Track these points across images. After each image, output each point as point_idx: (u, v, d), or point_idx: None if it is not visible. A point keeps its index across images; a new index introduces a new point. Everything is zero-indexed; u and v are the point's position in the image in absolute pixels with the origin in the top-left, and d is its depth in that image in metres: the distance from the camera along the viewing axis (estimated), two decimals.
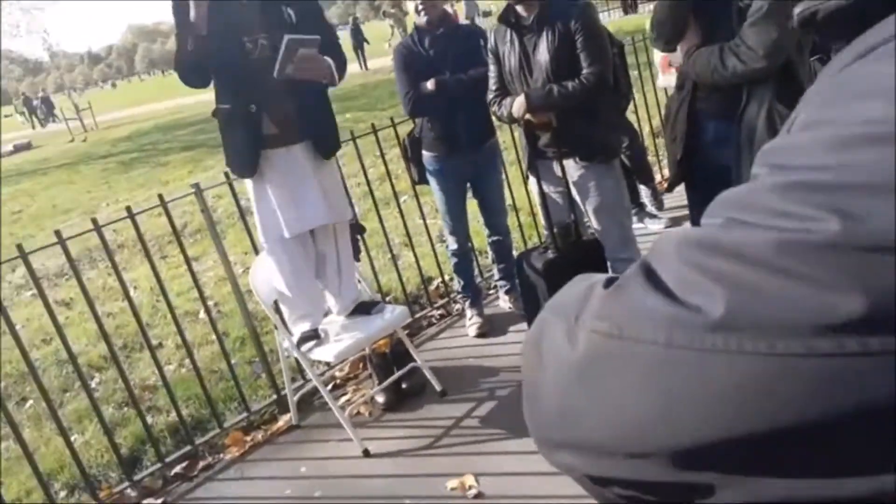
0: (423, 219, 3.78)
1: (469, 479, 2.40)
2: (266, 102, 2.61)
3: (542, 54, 2.64)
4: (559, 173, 2.74)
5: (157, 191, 2.94)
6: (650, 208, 4.34)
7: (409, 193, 4.43)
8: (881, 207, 0.31)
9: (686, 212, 4.26)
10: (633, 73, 4.61)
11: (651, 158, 4.78)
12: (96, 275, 6.18)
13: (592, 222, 2.85)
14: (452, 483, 2.40)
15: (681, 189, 4.68)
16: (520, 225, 4.14)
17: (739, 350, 0.34)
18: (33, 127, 31.23)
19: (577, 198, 2.80)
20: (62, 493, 2.86)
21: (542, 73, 2.64)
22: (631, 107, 4.15)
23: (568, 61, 2.59)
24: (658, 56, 4.51)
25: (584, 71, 2.58)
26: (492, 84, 2.84)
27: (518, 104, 2.64)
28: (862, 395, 0.32)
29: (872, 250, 0.31)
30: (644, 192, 4.35)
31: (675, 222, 4.18)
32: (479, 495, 2.33)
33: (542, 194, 2.81)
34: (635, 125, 4.40)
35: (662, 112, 4.18)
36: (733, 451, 0.36)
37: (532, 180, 2.94)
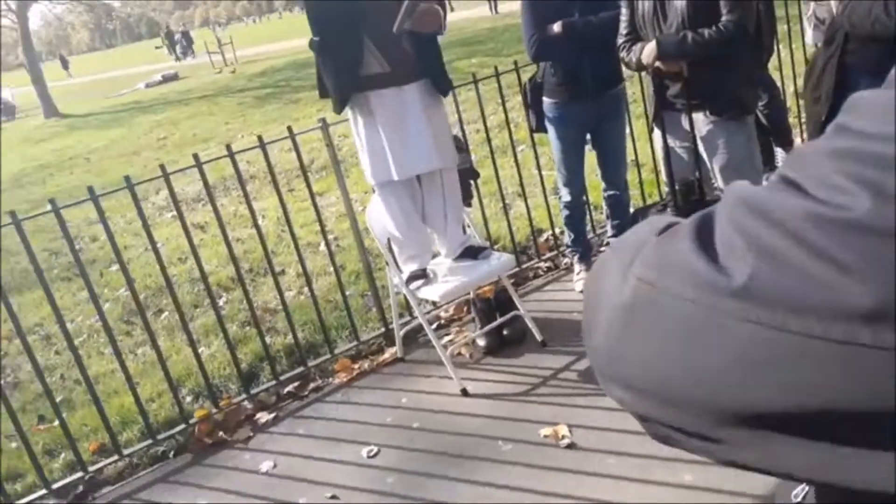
0: (539, 169, 3.73)
1: (562, 429, 2.42)
2: (381, 40, 2.63)
3: None
4: (687, 127, 2.61)
5: (289, 125, 3.08)
6: None
7: (526, 143, 4.38)
8: None
9: None
10: (782, 28, 4.26)
11: (792, 120, 4.44)
12: (229, 202, 6.61)
13: (718, 181, 2.71)
14: (546, 431, 2.43)
15: None
16: (640, 181, 4.00)
17: (756, 321, 0.33)
18: (177, 59, 33.19)
19: (704, 154, 2.66)
20: (188, 399, 3.15)
21: (678, 18, 2.50)
22: (775, 62, 3.85)
23: (706, 7, 2.43)
24: (808, 8, 4.13)
25: (723, 18, 2.41)
26: (622, 28, 2.72)
27: (648, 50, 2.52)
28: (871, 386, 0.31)
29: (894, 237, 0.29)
30: (780, 155, 4.07)
31: None
32: (571, 445, 2.35)
33: (667, 148, 2.69)
34: (778, 82, 4.09)
35: None
36: (746, 413, 0.36)
37: (657, 132, 2.81)
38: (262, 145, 2.96)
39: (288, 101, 12.59)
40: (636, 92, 4.02)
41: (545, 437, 2.42)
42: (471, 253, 2.93)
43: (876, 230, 0.30)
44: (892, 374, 0.30)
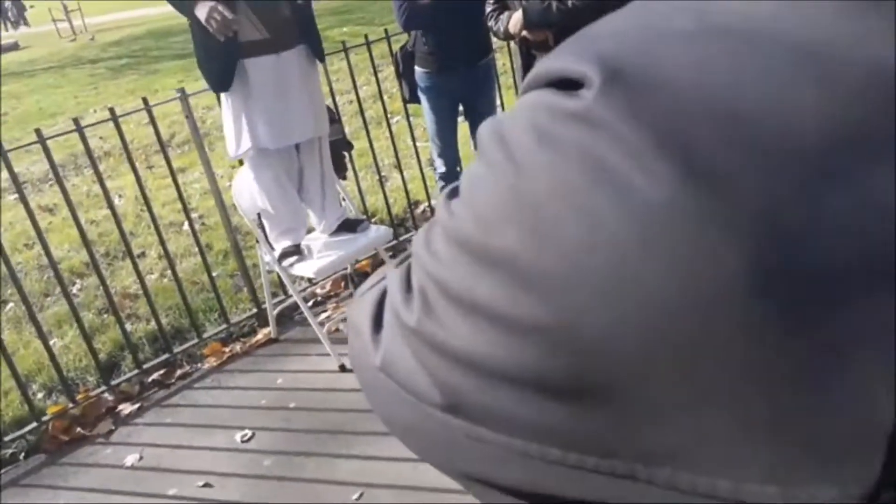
0: (414, 140, 3.71)
1: None
2: (259, 5, 2.50)
3: None
4: None
5: (147, 97, 2.85)
6: None
7: (400, 114, 4.34)
8: (450, 313, 0.27)
9: None
10: None
11: None
12: (81, 181, 6.11)
13: None
14: None
15: None
16: None
17: (396, 394, 0.31)
18: (5, 28, 30.13)
19: None
20: (39, 395, 2.90)
21: None
22: None
23: None
24: None
25: None
26: None
27: (515, 19, 2.54)
28: (476, 467, 0.30)
29: (437, 348, 0.28)
30: None
31: None
32: None
33: None
34: None
35: None
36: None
37: None
38: (115, 118, 2.73)
39: (146, 73, 11.77)
40: (505, 63, 4.07)
41: None
42: (348, 226, 2.87)
43: (423, 337, 0.28)
44: (478, 455, 0.29)
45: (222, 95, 2.66)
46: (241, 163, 3.06)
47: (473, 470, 0.30)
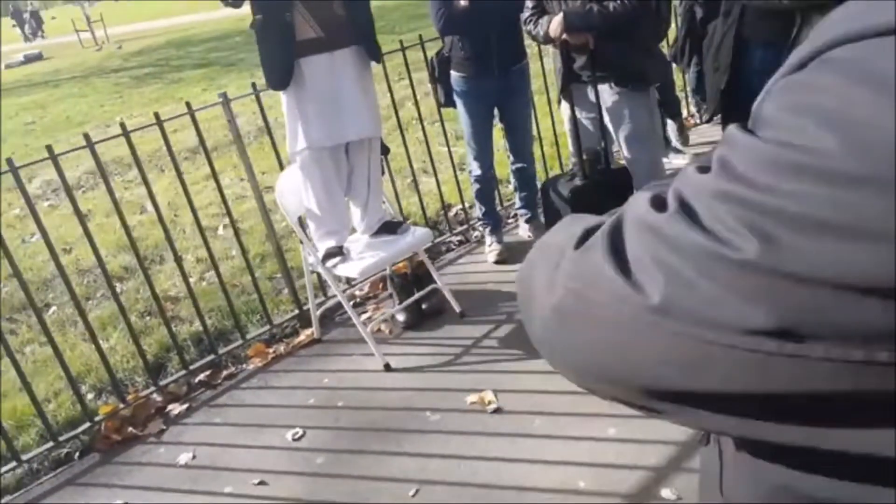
0: (447, 143, 3.75)
1: (488, 395, 2.46)
2: (313, 4, 2.55)
3: None
4: (593, 98, 2.70)
5: (172, 107, 2.91)
6: (675, 143, 4.29)
7: (428, 120, 4.38)
8: (799, 241, 0.33)
9: (711, 147, 4.22)
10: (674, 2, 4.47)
11: (678, 93, 4.69)
12: (113, 188, 6.20)
13: (623, 150, 2.82)
14: (472, 398, 2.47)
15: (705, 128, 4.63)
16: (543, 155, 4.10)
17: (675, 332, 0.38)
18: (26, 40, 30.56)
19: (610, 125, 2.76)
20: (89, 396, 2.96)
21: None
22: None
23: None
24: None
25: None
26: (528, 1, 2.76)
27: (556, 23, 2.57)
28: (772, 384, 0.37)
29: (784, 277, 0.34)
30: (670, 127, 4.29)
31: (699, 157, 4.13)
32: (498, 410, 2.40)
33: (575, 119, 2.77)
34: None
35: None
36: (675, 396, 0.42)
37: (564, 105, 2.89)
38: (160, 122, 2.79)
39: (170, 81, 11.93)
40: (536, 68, 4.09)
41: (472, 403, 2.45)
42: (389, 228, 2.90)
43: (764, 270, 0.34)
44: (790, 371, 0.35)
45: (282, 94, 2.72)
46: (281, 167, 3.11)
47: (775, 387, 0.37)
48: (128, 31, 23.78)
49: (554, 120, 4.12)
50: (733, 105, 2.29)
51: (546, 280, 0.48)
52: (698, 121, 4.75)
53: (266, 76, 2.70)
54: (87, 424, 2.68)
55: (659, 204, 0.41)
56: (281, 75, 2.61)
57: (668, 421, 0.47)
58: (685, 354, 0.39)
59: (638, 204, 0.43)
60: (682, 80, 4.90)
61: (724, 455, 0.59)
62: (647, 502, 1.93)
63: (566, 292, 0.46)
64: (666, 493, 1.94)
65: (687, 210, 0.39)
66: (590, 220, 0.50)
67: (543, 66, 3.88)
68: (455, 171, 3.80)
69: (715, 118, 2.65)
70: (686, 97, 4.75)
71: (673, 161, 4.15)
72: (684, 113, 4.55)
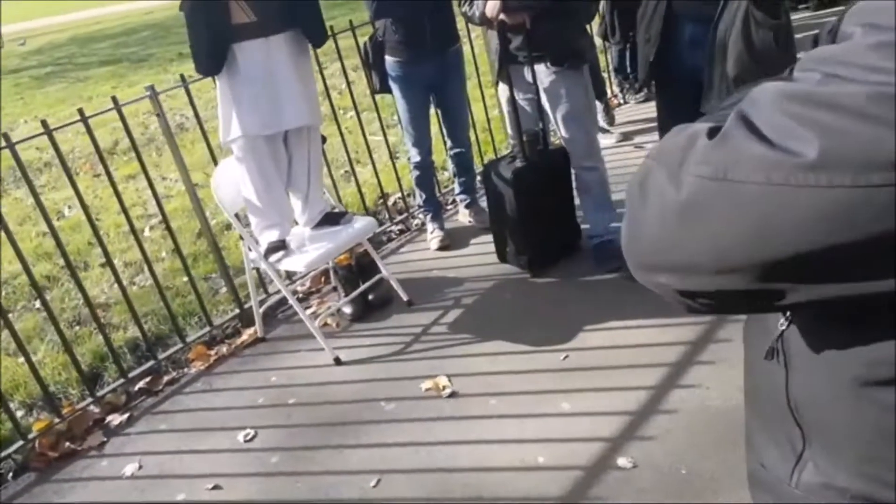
0: (383, 131, 3.71)
1: (442, 380, 2.47)
2: None
3: None
4: (529, 79, 2.72)
5: (81, 106, 2.75)
6: (602, 123, 4.38)
7: (360, 107, 4.31)
8: None
9: (636, 126, 4.35)
10: None
11: (602, 74, 4.80)
12: (24, 195, 5.84)
13: (560, 130, 2.86)
14: (426, 384, 2.47)
15: (629, 107, 4.75)
16: (477, 140, 4.12)
17: (829, 184, 0.43)
18: None
19: (547, 104, 2.79)
20: (19, 413, 2.78)
21: None
22: None
23: None
24: None
25: None
26: None
27: (492, 4, 2.58)
28: None
29: None
30: (598, 106, 4.38)
31: (626, 137, 4.24)
32: (453, 394, 2.41)
33: (514, 101, 2.78)
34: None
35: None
36: (811, 264, 0.47)
37: (501, 87, 2.90)
38: (84, 119, 2.63)
39: (74, 80, 11.31)
40: (466, 52, 4.10)
41: (426, 390, 2.45)
42: (331, 219, 2.85)
43: None
44: None
45: (217, 81, 2.62)
46: (214, 161, 3.00)
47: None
48: (20, 30, 22.39)
49: (486, 105, 4.15)
50: (664, 76, 2.36)
51: (667, 179, 0.52)
52: (621, 100, 4.87)
53: (196, 62, 2.59)
54: (20, 443, 2.53)
55: (790, 82, 0.48)
56: (212, 61, 2.51)
57: (780, 304, 0.51)
58: (833, 206, 0.43)
59: (769, 88, 0.49)
60: (605, 60, 5.02)
61: (793, 364, 0.63)
62: (605, 471, 1.98)
63: (698, 182, 0.49)
64: (622, 461, 1.99)
65: (832, 75, 0.45)
66: (698, 125, 0.54)
67: (473, 50, 3.89)
68: (392, 160, 3.77)
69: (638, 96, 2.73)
70: (608, 77, 4.87)
71: (600, 141, 4.25)
72: (608, 93, 4.66)
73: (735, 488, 1.81)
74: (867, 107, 0.42)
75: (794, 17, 2.98)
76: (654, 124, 3.95)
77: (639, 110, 4.62)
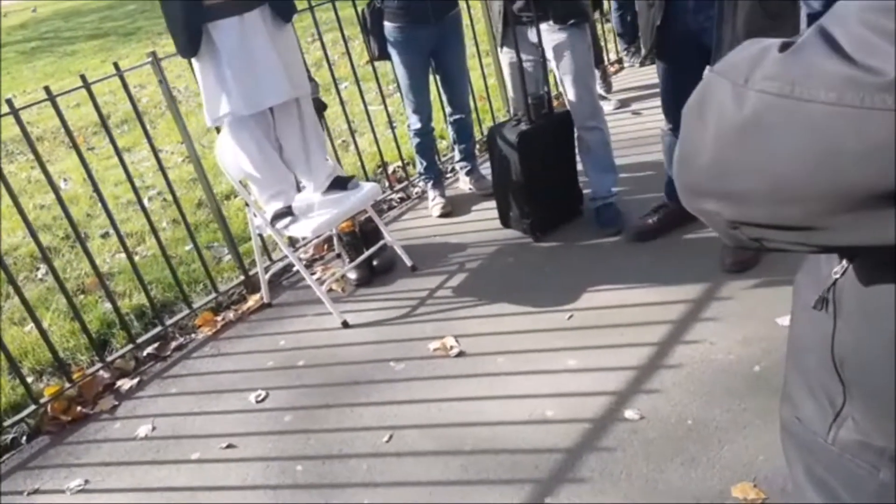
0: (383, 100, 3.71)
1: (450, 341, 2.51)
2: None
3: None
4: (534, 39, 2.73)
5: (70, 80, 2.74)
6: (599, 90, 4.39)
7: (350, 79, 4.29)
8: None
9: (634, 94, 4.37)
10: None
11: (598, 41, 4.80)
12: (17, 168, 5.81)
13: (565, 89, 2.87)
14: (434, 345, 2.51)
15: (626, 73, 4.76)
16: (476, 108, 4.13)
17: None
18: None
19: (553, 63, 2.80)
20: (30, 379, 2.81)
21: None
22: None
23: None
24: None
25: None
26: None
27: None
28: None
29: None
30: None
31: (623, 104, 4.26)
32: (460, 354, 2.45)
33: (520, 63, 2.79)
34: None
35: None
36: (878, 196, 0.42)
37: (504, 51, 2.90)
38: (87, 85, 2.62)
39: (62, 55, 11.14)
40: (465, 20, 4.09)
41: (434, 350, 2.49)
42: (339, 184, 2.86)
43: None
44: None
45: (194, 62, 2.60)
46: (217, 129, 3.00)
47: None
48: (5, 3, 21.92)
49: (484, 73, 4.15)
50: (667, 41, 2.37)
51: (730, 97, 0.48)
52: (628, 63, 4.87)
53: (175, 44, 2.57)
54: (32, 407, 2.56)
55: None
56: (189, 42, 2.49)
57: (830, 243, 0.48)
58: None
59: (849, 1, 0.44)
60: (600, 28, 5.02)
61: (842, 315, 0.59)
62: (613, 423, 2.04)
63: (763, 97, 0.45)
64: (629, 413, 2.05)
65: None
66: (772, 40, 0.49)
67: (472, 18, 3.88)
68: (392, 128, 3.78)
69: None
70: (605, 44, 4.87)
71: None
72: (605, 60, 4.67)
73: (740, 437, 1.87)
74: None
75: None
76: (652, 91, 3.99)
77: (636, 77, 4.63)
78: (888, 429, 0.59)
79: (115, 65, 2.72)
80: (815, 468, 0.70)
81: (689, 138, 0.53)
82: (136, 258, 3.71)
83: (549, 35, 2.74)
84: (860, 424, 0.62)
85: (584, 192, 3.14)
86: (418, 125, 3.34)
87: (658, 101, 2.75)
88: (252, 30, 2.54)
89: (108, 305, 3.00)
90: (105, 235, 4.07)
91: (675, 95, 2.50)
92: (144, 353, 2.86)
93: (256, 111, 2.63)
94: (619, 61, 4.90)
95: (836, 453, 0.65)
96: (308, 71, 3.08)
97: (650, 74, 3.24)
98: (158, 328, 2.93)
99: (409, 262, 3.02)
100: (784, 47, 0.47)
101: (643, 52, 2.56)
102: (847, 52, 0.42)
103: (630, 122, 3.97)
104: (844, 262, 0.59)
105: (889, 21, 0.40)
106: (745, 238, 0.53)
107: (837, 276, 0.60)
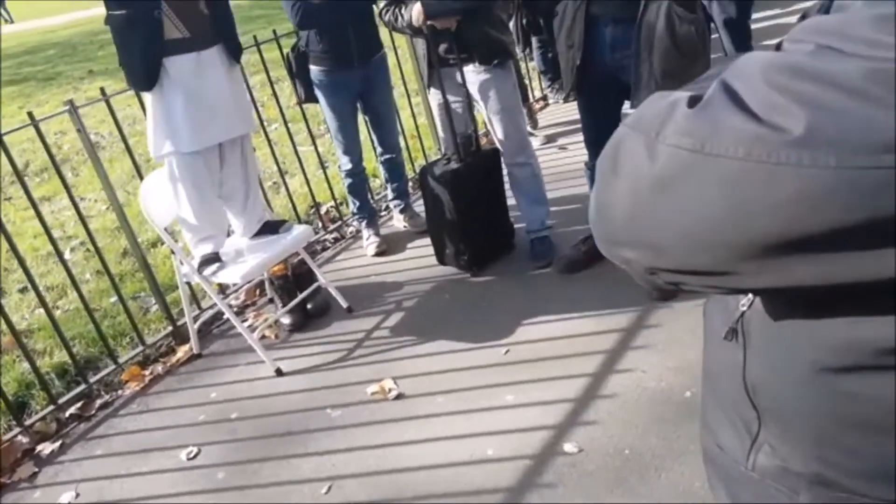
0: (313, 140, 3.69)
1: (388, 383, 2.48)
2: (176, 4, 2.45)
3: None
4: (460, 80, 2.78)
5: (30, 111, 2.63)
6: (527, 127, 4.50)
7: (279, 121, 4.27)
8: None
9: (560, 129, 4.49)
10: None
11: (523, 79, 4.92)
12: None
13: (493, 127, 2.92)
14: (372, 388, 2.47)
15: (552, 109, 4.89)
16: (407, 147, 4.16)
17: (812, 164, 0.40)
18: None
19: (479, 104, 2.85)
20: None
21: None
22: None
23: None
24: None
25: None
26: None
27: (416, 12, 2.63)
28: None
29: None
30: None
31: (550, 139, 4.37)
32: (399, 396, 2.42)
33: (447, 104, 2.83)
34: None
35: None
36: (785, 245, 0.43)
37: (432, 91, 2.94)
38: None
39: None
40: (391, 61, 4.13)
41: (373, 394, 2.45)
42: (270, 228, 2.81)
43: None
44: None
45: (145, 96, 2.58)
46: (140, 176, 2.92)
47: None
48: None
49: (414, 112, 4.19)
50: (586, 79, 2.45)
51: (642, 151, 0.49)
52: (552, 100, 5.00)
53: (129, 78, 2.56)
54: None
55: (779, 53, 0.45)
56: (146, 75, 2.47)
57: (744, 287, 0.49)
58: (814, 188, 0.40)
59: (756, 57, 0.46)
60: (524, 65, 5.15)
61: (751, 345, 0.61)
62: (553, 458, 2.04)
63: (675, 153, 0.46)
64: (568, 447, 2.06)
65: (827, 48, 0.42)
66: (679, 93, 0.51)
67: (399, 59, 3.92)
68: (323, 168, 3.76)
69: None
70: (529, 82, 5.00)
71: None
72: (531, 97, 4.79)
73: (676, 464, 1.90)
74: (863, 83, 0.39)
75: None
76: (577, 126, 4.10)
77: (561, 112, 4.76)
78: (804, 454, 0.60)
79: (30, 114, 2.62)
80: (739, 495, 0.71)
81: (604, 190, 0.54)
82: (58, 313, 3.55)
83: (475, 76, 2.80)
84: (777, 450, 0.63)
85: (517, 225, 3.18)
86: (349, 166, 3.34)
87: (582, 136, 2.84)
88: (208, 67, 2.56)
89: (27, 365, 2.84)
90: (24, 290, 3.87)
91: (596, 131, 2.58)
92: (67, 414, 2.71)
93: (207, 146, 2.60)
94: (544, 98, 5.03)
95: (756, 479, 0.66)
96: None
97: (574, 110, 3.33)
98: (82, 386, 2.79)
99: (344, 304, 2.99)
100: (692, 102, 0.48)
101: (565, 89, 2.63)
102: (753, 110, 0.43)
103: (557, 156, 4.07)
104: (750, 294, 0.60)
105: (794, 82, 0.42)
106: (663, 283, 0.54)
107: (745, 308, 0.61)
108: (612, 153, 0.53)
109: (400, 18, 2.72)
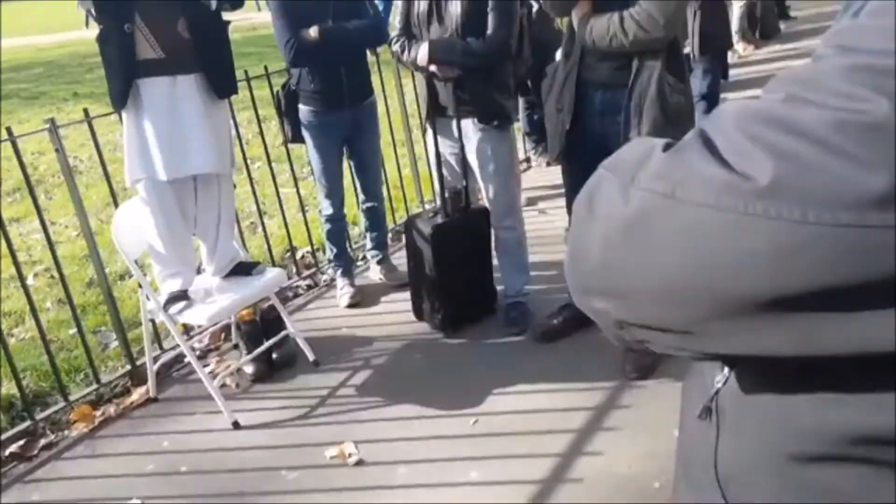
0: (296, 182, 3.65)
1: (349, 447, 2.38)
2: (153, 22, 2.39)
3: (455, 5, 2.62)
4: (457, 133, 2.75)
5: (8, 126, 2.55)
6: None
7: (262, 160, 4.23)
8: None
9: (542, 192, 4.48)
10: None
11: None
12: None
13: (484, 188, 2.89)
14: (332, 451, 2.37)
15: (534, 172, 4.90)
16: (389, 197, 4.12)
17: (778, 217, 0.39)
18: None
19: (473, 161, 2.82)
20: None
21: (452, 23, 2.63)
22: None
23: (478, 16, 2.60)
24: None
25: (489, 32, 2.61)
26: (397, 22, 2.78)
27: (423, 52, 2.62)
28: (876, 263, 0.37)
29: None
30: None
31: (530, 202, 4.35)
32: (359, 462, 2.32)
33: (438, 153, 2.80)
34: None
35: None
36: (754, 304, 0.41)
37: (428, 133, 2.89)
38: None
39: None
40: (380, 109, 4.13)
41: (332, 458, 2.35)
42: (243, 269, 2.73)
43: (893, 129, 0.36)
44: (892, 249, 0.36)
45: (123, 116, 2.51)
46: (115, 204, 2.83)
47: (874, 269, 0.37)
48: None
49: (399, 163, 4.17)
50: (573, 145, 2.44)
51: (617, 194, 0.48)
52: (535, 162, 5.01)
53: (109, 91, 2.50)
54: None
55: (754, 101, 0.44)
56: (119, 93, 2.41)
57: (709, 350, 0.47)
58: (783, 242, 0.39)
59: (732, 106, 0.45)
60: None
61: (724, 425, 0.58)
62: None
63: (648, 197, 0.45)
64: None
65: (797, 98, 0.41)
66: (658, 140, 0.50)
67: (388, 107, 3.91)
68: (304, 212, 3.70)
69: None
70: (522, 141, 5.02)
71: None
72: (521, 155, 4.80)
73: None
74: (831, 136, 0.38)
75: None
76: (558, 190, 4.10)
77: (543, 175, 4.77)
78: None
79: (9, 129, 2.54)
80: None
81: (578, 236, 0.53)
82: (12, 341, 3.41)
83: (472, 132, 2.77)
84: None
85: (500, 287, 3.14)
86: (330, 210, 3.28)
87: (564, 201, 2.81)
88: (184, 94, 2.48)
89: None
90: None
91: None
92: (7, 453, 2.56)
93: (177, 177, 2.51)
94: (527, 160, 5.04)
95: None
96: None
97: (556, 173, 3.33)
98: (27, 423, 2.65)
99: (311, 357, 2.90)
100: (668, 147, 0.47)
101: (552, 154, 2.62)
102: (724, 157, 0.42)
103: (537, 220, 4.05)
104: (726, 370, 0.58)
105: (764, 130, 0.41)
106: (631, 339, 0.52)
107: (720, 385, 0.59)
108: (588, 195, 0.52)
109: (407, 53, 2.71)
